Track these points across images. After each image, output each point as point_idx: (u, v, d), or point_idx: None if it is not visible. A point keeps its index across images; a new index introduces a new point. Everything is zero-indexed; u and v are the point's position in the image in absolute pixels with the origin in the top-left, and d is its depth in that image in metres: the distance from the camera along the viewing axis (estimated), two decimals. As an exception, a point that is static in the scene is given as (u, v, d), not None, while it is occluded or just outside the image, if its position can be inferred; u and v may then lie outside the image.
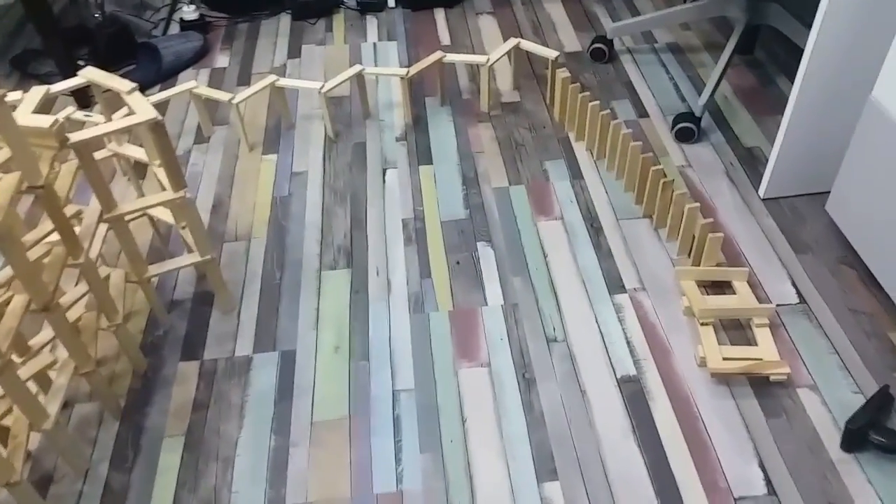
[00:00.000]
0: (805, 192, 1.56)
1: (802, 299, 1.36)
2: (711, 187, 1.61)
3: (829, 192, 1.54)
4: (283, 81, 1.76)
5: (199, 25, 2.20)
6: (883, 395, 1.15)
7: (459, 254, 1.49)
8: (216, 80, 2.04)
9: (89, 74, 1.27)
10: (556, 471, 1.13)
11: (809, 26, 1.32)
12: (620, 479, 1.12)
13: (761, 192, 1.56)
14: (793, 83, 1.43)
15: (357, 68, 1.77)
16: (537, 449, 1.16)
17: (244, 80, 2.03)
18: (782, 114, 1.43)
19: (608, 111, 1.65)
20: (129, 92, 1.16)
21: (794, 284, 1.38)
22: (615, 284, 1.41)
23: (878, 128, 1.26)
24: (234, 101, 1.69)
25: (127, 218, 1.21)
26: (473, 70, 2.01)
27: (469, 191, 1.64)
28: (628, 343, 1.30)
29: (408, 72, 1.75)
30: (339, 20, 2.27)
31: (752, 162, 1.66)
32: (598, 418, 1.20)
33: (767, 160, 1.65)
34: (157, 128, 1.11)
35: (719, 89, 1.88)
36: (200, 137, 1.84)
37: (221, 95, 1.72)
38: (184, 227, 1.37)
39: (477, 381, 1.26)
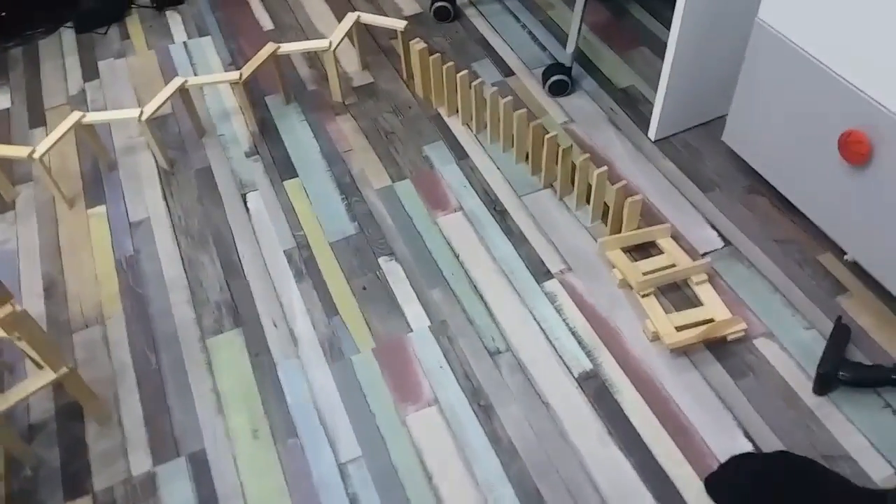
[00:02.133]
0: (693, 124, 1.51)
1: (727, 241, 1.31)
2: (600, 139, 1.51)
3: (715, 121, 1.51)
4: (91, 116, 1.43)
5: (-44, 61, 1.77)
6: (840, 329, 1.12)
7: (362, 277, 1.30)
8: (1, 127, 1.65)
9: None
10: (546, 503, 1.01)
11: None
12: (614, 491, 1.02)
13: (651, 134, 1.49)
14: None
15: (178, 81, 1.48)
16: (519, 485, 1.03)
17: (37, 119, 1.66)
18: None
19: (475, 78, 1.49)
20: None
21: (713, 227, 1.33)
22: (539, 271, 1.28)
23: (769, 49, 1.20)
24: (37, 156, 1.36)
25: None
26: (313, 55, 1.76)
27: (350, 199, 1.43)
28: (574, 334, 1.19)
29: (241, 75, 1.49)
30: (133, 23, 1.92)
31: (630, 103, 1.58)
32: (570, 429, 1.08)
33: (645, 98, 1.59)
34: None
35: (576, 30, 1.77)
36: (1, 205, 1.48)
37: (17, 151, 1.37)
38: (19, 339, 1.07)
39: (429, 424, 1.10)
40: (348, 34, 1.66)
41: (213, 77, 1.50)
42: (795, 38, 1.15)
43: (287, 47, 1.55)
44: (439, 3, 1.80)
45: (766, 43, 1.20)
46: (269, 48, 1.53)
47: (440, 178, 1.46)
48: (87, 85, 1.74)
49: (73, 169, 1.53)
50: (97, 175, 1.52)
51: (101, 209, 1.45)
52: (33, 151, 1.36)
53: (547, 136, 1.34)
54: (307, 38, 1.82)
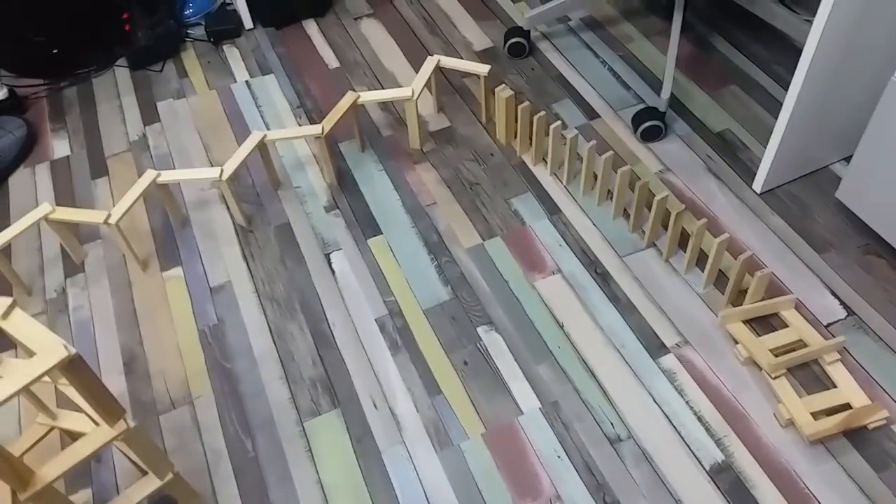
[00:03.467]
0: (797, 175, 1.43)
1: (850, 310, 1.22)
2: (700, 190, 1.43)
3: (819, 172, 1.43)
4: (166, 176, 1.36)
5: (13, 105, 1.69)
6: None
7: (462, 349, 1.23)
8: (62, 177, 1.58)
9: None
10: None
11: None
12: None
13: (757, 186, 1.40)
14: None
15: (257, 136, 1.40)
16: None
17: (99, 168, 1.59)
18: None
19: (561, 123, 1.41)
20: (5, 314, 0.77)
21: (834, 294, 1.25)
22: (653, 344, 1.21)
23: (906, 112, 1.11)
24: (114, 221, 1.28)
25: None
26: (381, 96, 1.68)
27: (440, 260, 1.36)
28: (699, 420, 1.11)
29: (323, 129, 1.41)
30: (190, 59, 1.84)
31: (728, 150, 1.50)
32: (706, 530, 1.01)
33: (744, 144, 1.50)
34: (73, 366, 0.75)
35: (662, 67, 1.69)
36: (71, 266, 1.41)
37: (92, 217, 1.29)
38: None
39: (553, 524, 1.03)
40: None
41: (293, 131, 1.43)
42: (939, 100, 1.07)
43: (368, 96, 1.47)
44: (515, 40, 1.72)
45: (903, 103, 1.12)
46: (349, 98, 1.45)
47: (532, 235, 1.38)
48: (147, 129, 1.67)
49: (143, 227, 1.46)
50: (169, 233, 1.45)
51: (178, 272, 1.38)
52: (109, 216, 1.29)
53: (639, 184, 1.26)
54: (375, 76, 1.74)
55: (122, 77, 1.81)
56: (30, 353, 0.77)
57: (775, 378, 1.12)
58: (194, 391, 1.21)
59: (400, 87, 1.70)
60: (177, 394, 1.21)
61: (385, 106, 1.66)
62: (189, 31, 1.90)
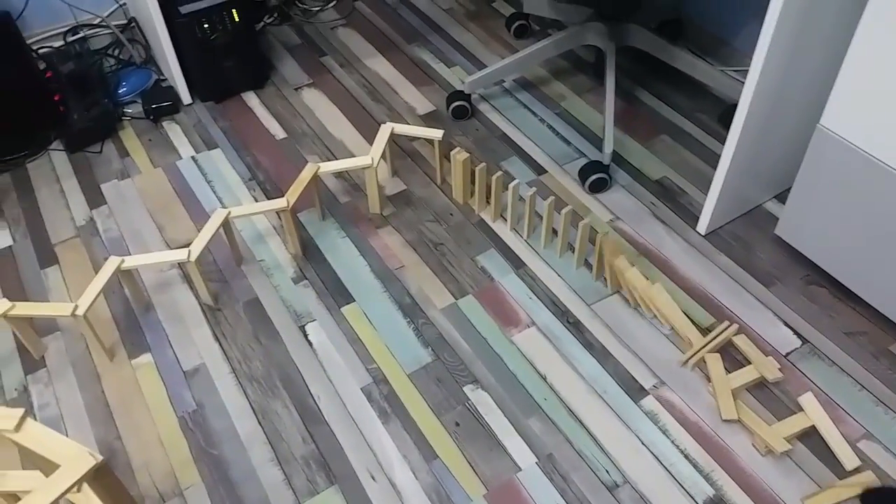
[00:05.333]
0: (735, 216, 1.55)
1: (803, 339, 1.33)
2: (650, 235, 1.52)
3: (755, 210, 1.55)
4: (131, 261, 1.33)
5: (-57, 196, 1.61)
6: None
7: (451, 410, 1.25)
8: (8, 269, 1.50)
9: None
10: None
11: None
12: None
13: (701, 228, 1.51)
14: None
15: (221, 214, 1.39)
16: None
17: (47, 256, 1.53)
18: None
19: (517, 182, 1.48)
20: (17, 427, 0.73)
21: (786, 325, 1.35)
22: (633, 388, 1.27)
23: (832, 153, 1.24)
24: (81, 313, 1.24)
25: None
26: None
27: (417, 322, 1.38)
28: (686, 457, 1.17)
29: (288, 202, 1.42)
30: (129, 138, 1.81)
31: (668, 196, 1.61)
32: (708, 562, 1.06)
33: (681, 189, 1.62)
34: (100, 474, 0.72)
35: (596, 122, 1.80)
36: (30, 361, 1.34)
37: (57, 310, 1.24)
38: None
39: (567, 576, 1.05)
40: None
41: (258, 206, 1.43)
42: (861, 143, 1.20)
43: (328, 167, 1.49)
44: (457, 103, 1.79)
45: (830, 147, 1.25)
46: (310, 170, 1.47)
47: (503, 290, 1.43)
48: (94, 212, 1.62)
49: (104, 314, 1.41)
50: (132, 319, 1.40)
51: (147, 358, 1.34)
52: (76, 308, 1.24)
53: (599, 236, 1.33)
54: (325, 145, 1.76)
55: (60, 160, 1.75)
56: (48, 465, 0.74)
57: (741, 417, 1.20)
58: (183, 482, 1.17)
59: (351, 154, 1.74)
60: (164, 486, 1.16)
61: (339, 173, 1.69)
62: (125, 110, 1.87)
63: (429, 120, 1.83)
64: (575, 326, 1.36)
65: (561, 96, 1.88)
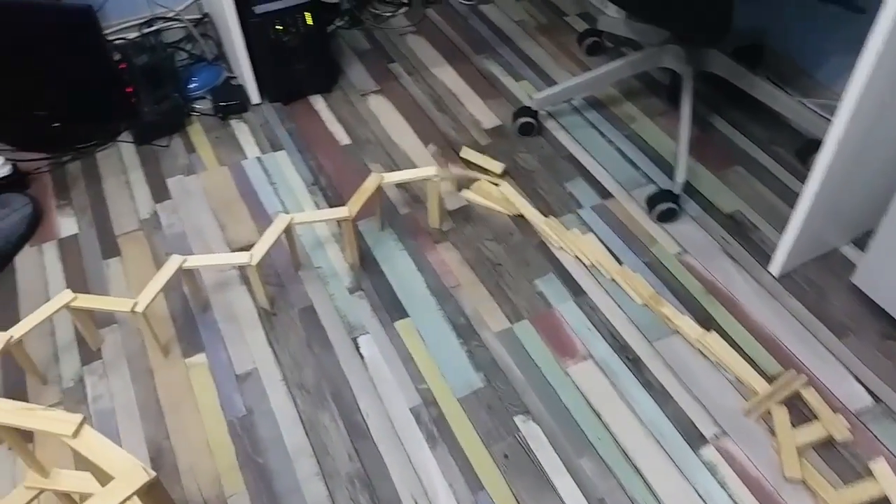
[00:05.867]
0: (809, 258, 1.48)
1: (876, 398, 1.26)
2: (719, 273, 1.46)
3: (830, 254, 1.48)
4: (193, 261, 1.33)
5: (16, 181, 1.65)
6: None
7: (501, 441, 1.22)
8: (72, 257, 1.53)
9: None
10: None
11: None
12: None
13: (775, 270, 1.45)
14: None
15: (284, 220, 1.39)
16: None
17: (110, 247, 1.55)
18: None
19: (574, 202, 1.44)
20: (75, 433, 0.73)
21: (858, 381, 1.28)
22: (692, 435, 1.22)
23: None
24: (141, 309, 1.25)
25: None
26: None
27: (470, 344, 1.35)
28: (745, 512, 1.12)
29: (350, 212, 1.41)
30: (197, 134, 1.82)
31: (740, 231, 1.54)
32: None
33: (753, 225, 1.55)
34: (153, 490, 0.71)
35: (666, 147, 1.74)
36: (87, 352, 1.36)
37: (118, 305, 1.26)
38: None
39: None
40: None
41: (320, 214, 1.42)
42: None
43: (391, 177, 1.48)
44: (524, 119, 1.76)
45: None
46: (374, 180, 1.46)
47: (560, 318, 1.39)
48: (158, 206, 1.64)
49: (161, 311, 1.42)
50: (189, 316, 1.41)
51: (201, 358, 1.34)
52: (136, 304, 1.25)
53: (662, 309, 1.29)
54: (388, 154, 1.75)
55: (128, 152, 1.78)
56: (102, 475, 0.73)
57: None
58: (227, 489, 1.16)
59: (413, 164, 1.72)
60: (209, 492, 1.16)
61: (401, 183, 1.67)
62: (195, 105, 1.89)
63: (493, 134, 1.80)
64: (634, 364, 1.32)
65: (631, 118, 1.83)
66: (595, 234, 1.53)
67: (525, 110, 1.76)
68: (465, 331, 1.38)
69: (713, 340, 1.31)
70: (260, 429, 1.24)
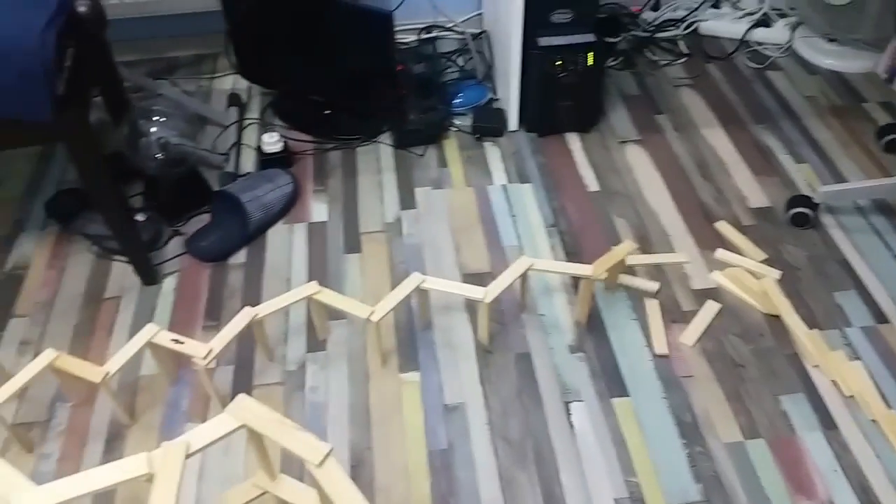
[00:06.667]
0: None
1: None
2: None
3: None
4: (430, 283, 1.33)
5: (283, 158, 1.76)
6: None
7: (709, 568, 1.09)
8: (317, 242, 1.60)
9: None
10: None
11: None
12: None
13: None
14: None
15: (524, 264, 1.35)
16: None
17: (353, 242, 1.60)
18: None
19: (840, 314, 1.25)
20: (321, 462, 0.73)
21: None
22: None
23: None
24: (376, 320, 1.27)
25: None
26: (642, 232, 1.60)
27: (692, 448, 1.23)
28: None
29: (594, 270, 1.34)
30: (451, 149, 1.84)
31: None
32: None
33: None
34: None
35: (968, 279, 1.49)
36: (314, 342, 1.41)
37: (356, 309, 1.28)
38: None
39: None
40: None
41: (561, 266, 1.36)
42: None
43: (640, 259, 1.39)
44: (800, 209, 1.58)
45: None
46: (623, 248, 1.37)
47: (803, 449, 1.22)
48: (402, 213, 1.67)
49: (388, 318, 1.44)
50: (411, 331, 1.42)
51: (415, 377, 1.34)
52: (372, 313, 1.27)
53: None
54: (636, 212, 1.65)
55: (385, 153, 1.84)
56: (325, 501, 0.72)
57: None
58: (415, 523, 1.15)
59: (663, 229, 1.61)
60: (397, 520, 1.15)
61: (644, 248, 1.57)
62: (454, 121, 1.92)
63: (759, 216, 1.64)
64: (886, 528, 1.12)
65: (926, 234, 1.59)
66: (863, 361, 1.33)
67: (804, 199, 1.58)
68: (691, 431, 1.25)
69: None
70: (457, 469, 1.21)
